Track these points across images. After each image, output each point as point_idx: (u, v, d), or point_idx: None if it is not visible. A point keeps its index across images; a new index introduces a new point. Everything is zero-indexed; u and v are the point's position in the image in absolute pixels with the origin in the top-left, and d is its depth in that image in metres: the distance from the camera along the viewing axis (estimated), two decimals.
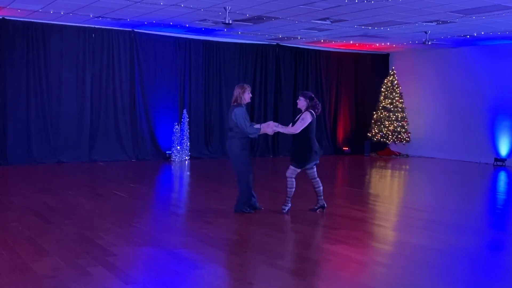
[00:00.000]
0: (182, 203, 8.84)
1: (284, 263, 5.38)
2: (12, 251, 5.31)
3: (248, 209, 7.37)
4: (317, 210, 7.53)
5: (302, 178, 7.82)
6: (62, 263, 4.96)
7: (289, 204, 7.46)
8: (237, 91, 7.27)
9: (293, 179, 7.34)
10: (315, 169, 7.44)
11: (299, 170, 7.32)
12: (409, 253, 5.75)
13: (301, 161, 7.26)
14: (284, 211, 7.41)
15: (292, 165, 7.31)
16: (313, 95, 7.43)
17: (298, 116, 7.38)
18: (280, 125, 7.45)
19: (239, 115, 7.11)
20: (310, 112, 7.25)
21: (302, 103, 7.35)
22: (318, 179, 7.44)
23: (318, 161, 7.45)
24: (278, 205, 7.60)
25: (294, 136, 7.28)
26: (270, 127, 7.34)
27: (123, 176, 11.32)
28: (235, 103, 7.25)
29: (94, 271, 4.75)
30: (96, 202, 8.14)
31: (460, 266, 5.38)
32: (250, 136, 7.19)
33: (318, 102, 7.38)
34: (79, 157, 12.84)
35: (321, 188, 7.48)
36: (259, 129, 7.23)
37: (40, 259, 5.05)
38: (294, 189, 7.37)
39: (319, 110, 7.41)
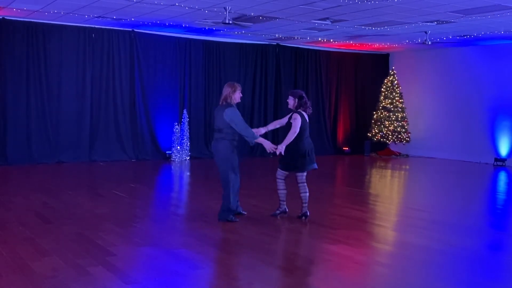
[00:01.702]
0: (182, 203, 8.84)
1: (284, 263, 5.39)
2: (12, 251, 5.30)
3: (232, 217, 6.87)
4: (301, 218, 7.05)
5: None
6: (62, 263, 4.96)
7: (283, 207, 7.12)
8: (226, 90, 6.76)
9: (282, 181, 6.98)
10: (305, 173, 6.99)
11: (287, 173, 6.99)
12: (409, 253, 5.75)
13: (287, 164, 6.89)
14: (275, 215, 7.13)
15: (278, 167, 6.99)
16: (303, 94, 6.97)
17: (289, 116, 7.00)
18: (283, 143, 6.75)
19: (235, 115, 6.60)
20: (300, 114, 6.85)
21: (291, 102, 6.93)
22: (305, 184, 6.97)
23: (316, 166, 6.98)
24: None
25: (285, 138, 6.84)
26: (268, 144, 6.73)
27: (123, 176, 11.32)
28: (224, 103, 6.74)
29: (94, 271, 4.75)
30: (96, 202, 8.14)
31: (460, 266, 5.38)
32: (246, 139, 6.70)
33: (307, 101, 6.94)
34: (79, 157, 12.84)
35: (307, 194, 6.98)
36: (257, 137, 6.68)
37: (40, 259, 5.05)
38: (285, 191, 7.04)
39: (310, 110, 6.99)
